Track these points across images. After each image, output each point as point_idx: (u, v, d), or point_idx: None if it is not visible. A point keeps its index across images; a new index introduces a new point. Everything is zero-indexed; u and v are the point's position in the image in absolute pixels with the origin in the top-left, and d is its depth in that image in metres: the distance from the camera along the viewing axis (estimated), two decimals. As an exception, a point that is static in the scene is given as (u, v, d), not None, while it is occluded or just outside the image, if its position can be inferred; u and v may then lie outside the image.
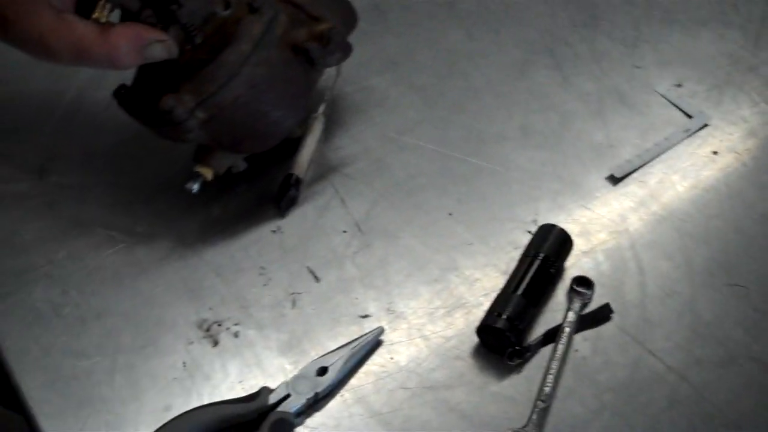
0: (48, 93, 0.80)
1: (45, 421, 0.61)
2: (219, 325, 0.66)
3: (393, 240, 0.72)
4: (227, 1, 0.66)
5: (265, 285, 0.69)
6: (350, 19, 0.77)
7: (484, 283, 0.69)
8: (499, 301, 0.66)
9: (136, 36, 0.62)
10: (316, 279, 0.69)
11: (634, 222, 0.74)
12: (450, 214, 0.74)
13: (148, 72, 0.67)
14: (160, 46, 0.63)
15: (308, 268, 0.70)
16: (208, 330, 0.66)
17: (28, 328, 0.65)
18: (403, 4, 0.90)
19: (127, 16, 0.64)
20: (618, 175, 0.77)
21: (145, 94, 0.67)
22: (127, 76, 0.68)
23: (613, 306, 0.68)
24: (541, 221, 0.72)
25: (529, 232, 0.72)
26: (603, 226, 0.73)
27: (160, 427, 0.59)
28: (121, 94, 0.69)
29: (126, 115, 0.70)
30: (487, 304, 0.67)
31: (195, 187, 0.69)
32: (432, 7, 0.90)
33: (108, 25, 0.61)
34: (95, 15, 0.61)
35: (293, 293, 0.68)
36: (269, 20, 0.67)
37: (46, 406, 0.61)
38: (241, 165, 0.72)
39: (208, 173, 0.69)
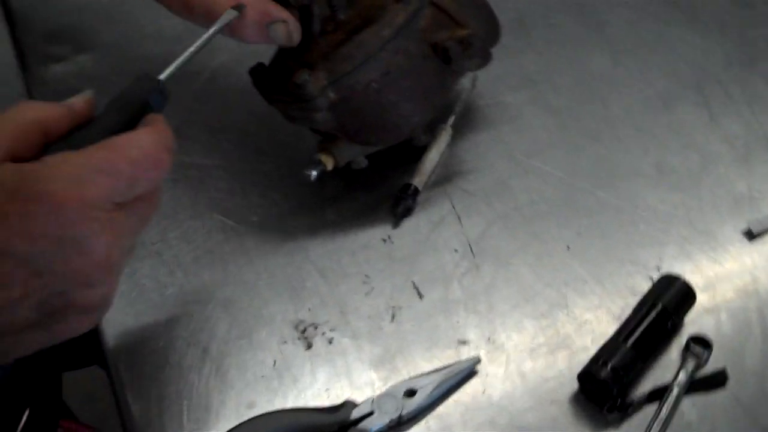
0: (183, 73, 0.81)
1: (129, 395, 0.61)
2: (315, 328, 0.65)
3: (504, 266, 0.69)
4: None
5: (367, 294, 0.67)
6: (494, 32, 0.74)
7: (593, 326, 0.66)
8: (607, 349, 0.62)
9: (263, 12, 0.62)
10: (420, 295, 0.67)
11: (766, 284, 0.68)
12: (568, 248, 0.70)
13: (285, 53, 0.67)
14: (282, 27, 0.62)
15: (413, 282, 0.68)
16: (303, 331, 0.65)
17: (130, 304, 0.66)
18: (548, 22, 0.87)
19: None
20: (756, 230, 0.71)
21: (280, 74, 0.67)
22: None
23: (729, 372, 0.63)
24: (665, 268, 0.68)
25: (651, 278, 0.68)
26: (731, 284, 0.68)
27: (240, 424, 0.58)
28: (257, 71, 0.69)
29: (256, 102, 0.70)
30: (593, 350, 0.63)
31: (313, 174, 0.68)
32: (579, 28, 0.86)
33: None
34: None
35: (394, 306, 0.67)
36: (414, 11, 0.66)
37: (133, 382, 0.62)
38: (362, 162, 0.71)
39: (328, 162, 0.68)
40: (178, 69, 0.58)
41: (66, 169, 0.47)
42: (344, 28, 0.66)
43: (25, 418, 0.88)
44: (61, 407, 1.02)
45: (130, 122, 0.53)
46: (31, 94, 0.79)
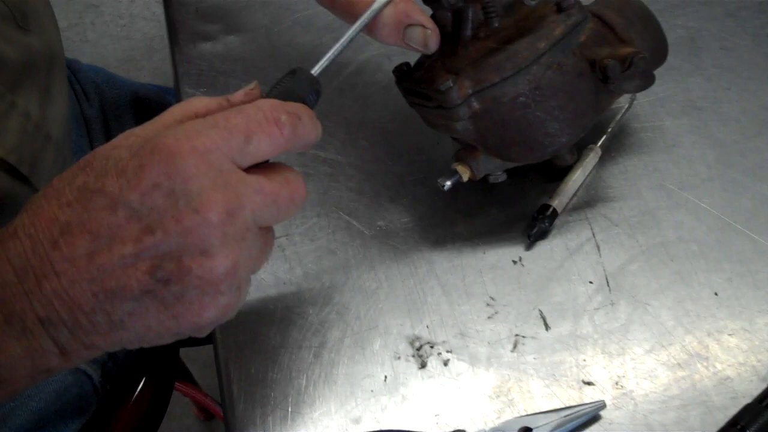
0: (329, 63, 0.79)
1: (235, 391, 0.59)
2: (431, 347, 0.62)
3: (642, 306, 0.64)
4: None
5: (490, 317, 0.63)
6: (660, 51, 0.69)
7: (735, 384, 0.60)
8: (748, 412, 0.56)
9: (403, 11, 0.59)
10: (546, 326, 0.63)
11: None
12: (715, 294, 0.64)
13: (432, 55, 0.64)
14: (421, 33, 0.59)
15: (540, 311, 0.64)
16: (419, 349, 0.62)
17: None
18: (722, 45, 0.80)
19: None
20: None
21: (424, 76, 0.64)
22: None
23: None
24: (824, 332, 0.61)
25: (806, 340, 0.61)
26: None
27: (343, 440, 0.56)
28: (401, 71, 0.66)
29: (398, 101, 0.67)
30: (732, 411, 0.57)
31: (447, 184, 0.65)
32: (755, 55, 0.79)
33: None
34: None
35: (517, 335, 0.63)
36: (574, 24, 0.61)
37: (240, 379, 0.60)
38: (501, 176, 0.67)
39: (465, 173, 0.65)
40: (330, 63, 0.56)
41: (185, 126, 0.46)
42: (497, 35, 0.62)
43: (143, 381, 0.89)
44: (179, 369, 1.03)
45: None
46: (177, 71, 0.79)
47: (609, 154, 0.72)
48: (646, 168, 0.71)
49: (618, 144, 0.73)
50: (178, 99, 0.76)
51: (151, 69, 2.10)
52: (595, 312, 0.64)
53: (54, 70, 0.72)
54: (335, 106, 0.76)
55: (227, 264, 0.46)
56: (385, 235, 0.68)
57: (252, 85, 0.53)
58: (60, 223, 0.44)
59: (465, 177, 0.65)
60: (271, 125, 0.48)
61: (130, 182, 0.44)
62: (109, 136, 0.86)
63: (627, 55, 0.63)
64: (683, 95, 0.76)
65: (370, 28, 0.59)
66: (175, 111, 0.49)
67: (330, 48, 0.56)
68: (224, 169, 0.46)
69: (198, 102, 0.50)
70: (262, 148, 0.48)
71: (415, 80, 0.65)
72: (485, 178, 0.67)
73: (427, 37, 0.59)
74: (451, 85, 0.60)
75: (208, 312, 0.47)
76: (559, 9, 0.62)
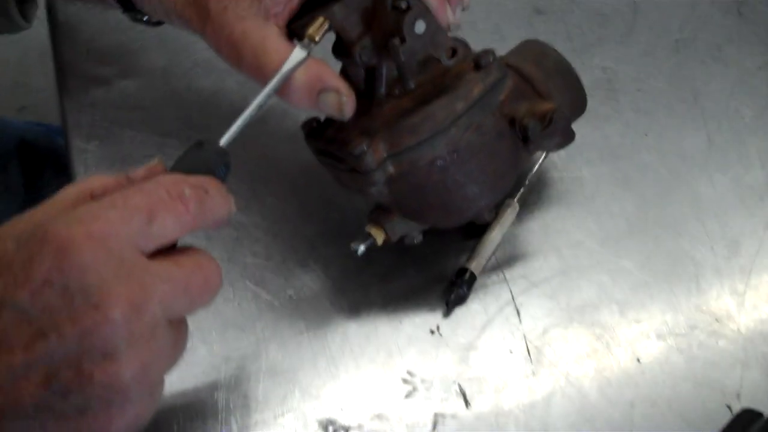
0: (230, 110, 0.74)
1: None
2: (346, 431, 0.58)
3: (565, 376, 0.61)
4: (455, 49, 0.57)
5: (408, 395, 0.60)
6: (579, 104, 0.66)
7: (660, 461, 0.58)
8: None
9: (315, 74, 0.54)
10: (467, 403, 0.60)
11: None
12: (638, 360, 0.62)
13: None
14: (335, 98, 0.55)
15: (460, 386, 0.61)
16: (333, 435, 0.58)
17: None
18: (639, 86, 0.78)
19: (338, 46, 0.57)
20: None
21: (335, 134, 0.60)
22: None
23: None
24: (747, 400, 0.60)
25: (729, 408, 0.60)
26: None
27: None
28: (311, 128, 0.62)
29: (307, 154, 0.63)
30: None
31: (361, 248, 0.61)
32: (672, 97, 0.77)
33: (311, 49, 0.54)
34: (309, 31, 0.54)
35: (437, 413, 0.59)
36: (493, 83, 0.58)
37: None
38: (417, 237, 0.63)
39: (379, 237, 0.61)
40: (239, 131, 0.51)
41: (78, 210, 0.41)
42: (413, 94, 0.58)
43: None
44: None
45: None
46: (66, 121, 0.73)
47: (527, 207, 0.69)
48: (564, 223, 0.69)
49: (536, 197, 0.70)
50: (67, 155, 0.71)
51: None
52: (518, 384, 0.61)
53: None
54: (238, 159, 0.70)
55: (135, 367, 0.41)
56: (296, 305, 0.64)
57: (155, 160, 0.48)
58: None
59: (379, 240, 0.62)
60: (175, 202, 0.44)
61: (17, 279, 0.39)
62: (-7, 190, 0.80)
63: (546, 112, 0.60)
64: (602, 142, 0.74)
65: (281, 91, 0.54)
66: (68, 192, 0.44)
67: (238, 115, 0.52)
68: (126, 257, 0.41)
69: (94, 180, 0.45)
70: (166, 229, 0.43)
71: (327, 139, 0.61)
72: (401, 240, 0.63)
73: (342, 104, 0.55)
74: (365, 149, 0.56)
75: (117, 424, 0.41)
76: (477, 66, 0.58)
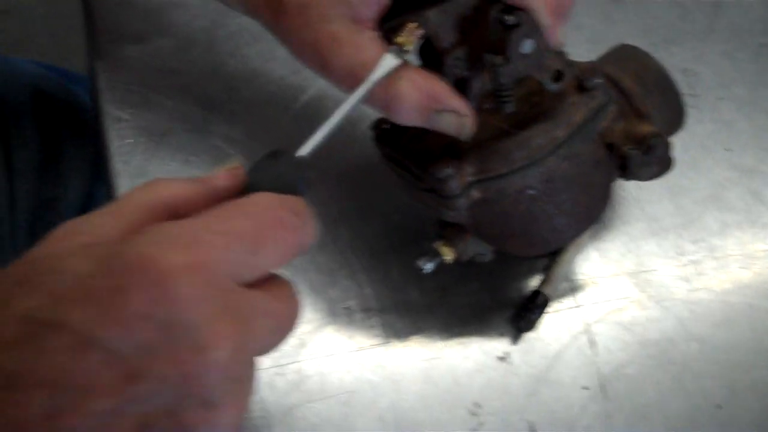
0: (280, 91, 0.67)
1: None
2: (409, 470, 0.53)
3: (641, 419, 0.57)
4: (560, 72, 0.50)
5: (474, 430, 0.55)
6: (676, 124, 0.60)
7: None
8: None
9: (430, 94, 0.47)
10: (537, 443, 0.55)
11: None
12: (719, 407, 0.58)
13: None
14: (454, 119, 0.48)
15: (529, 423, 0.56)
16: (394, 472, 0.53)
17: None
18: (724, 96, 0.72)
19: (428, 53, 0.50)
20: None
21: (415, 147, 0.53)
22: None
23: None
24: None
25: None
26: None
27: None
28: (383, 130, 0.55)
29: (368, 147, 0.56)
30: None
31: (428, 267, 0.55)
32: (756, 111, 0.72)
33: (404, 64, 0.47)
34: (399, 39, 0.47)
35: (505, 453, 0.55)
36: (597, 108, 0.52)
37: None
38: (488, 255, 0.58)
39: (448, 255, 0.55)
40: (322, 142, 0.44)
41: (170, 230, 0.35)
42: (507, 115, 0.51)
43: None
44: None
45: None
46: (96, 83, 0.64)
47: (604, 226, 0.64)
48: (641, 245, 0.64)
49: (613, 214, 0.65)
50: (99, 122, 0.63)
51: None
52: (590, 425, 0.56)
53: None
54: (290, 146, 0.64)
55: (233, 415, 0.35)
56: (352, 319, 0.58)
57: (234, 163, 0.41)
58: (4, 376, 0.32)
59: (449, 259, 0.56)
60: (282, 230, 0.37)
61: (106, 313, 0.32)
62: (6, 146, 0.71)
63: (645, 137, 0.54)
64: (682, 154, 0.68)
65: (385, 104, 0.48)
66: (138, 200, 0.37)
67: (322, 123, 0.45)
68: (229, 289, 0.35)
69: (168, 187, 0.38)
70: (269, 260, 0.37)
71: (402, 149, 0.54)
72: (471, 258, 0.57)
73: (462, 125, 0.48)
74: (451, 173, 0.50)
75: None
76: (581, 88, 0.52)
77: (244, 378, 0.35)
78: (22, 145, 0.72)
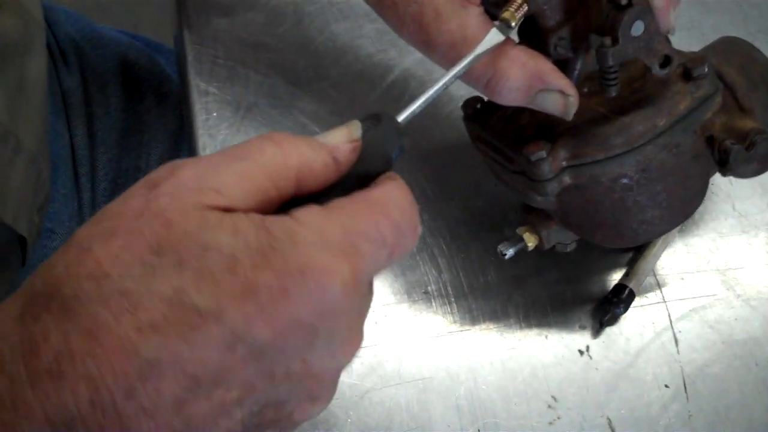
0: (368, 68, 0.66)
1: None
2: (484, 460, 0.53)
3: (722, 420, 0.56)
4: (669, 57, 0.48)
5: (551, 423, 0.54)
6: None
7: None
8: None
9: (535, 73, 0.47)
10: (615, 440, 0.54)
11: None
12: (804, 412, 0.56)
13: None
14: (559, 99, 0.47)
15: (609, 420, 0.55)
16: (469, 461, 0.52)
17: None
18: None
19: (530, 31, 0.49)
20: None
21: (506, 129, 0.52)
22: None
23: None
24: None
25: None
26: None
27: None
28: (475, 108, 0.54)
29: (452, 128, 0.57)
30: None
31: (510, 252, 0.54)
32: None
33: (508, 40, 0.46)
34: (505, 14, 0.46)
35: (582, 448, 0.54)
36: (703, 98, 0.50)
37: None
38: (570, 245, 0.56)
39: (531, 242, 0.54)
40: (420, 111, 0.43)
41: (331, 231, 0.33)
42: (605, 96, 0.50)
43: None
44: None
45: (369, 178, 0.39)
46: (185, 54, 0.64)
47: (692, 220, 0.62)
48: (731, 241, 0.62)
49: (703, 209, 0.63)
50: (185, 94, 0.63)
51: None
52: (670, 424, 0.55)
53: (30, 54, 0.58)
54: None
55: (324, 406, 0.37)
56: (430, 305, 0.57)
57: (355, 127, 0.38)
58: (141, 360, 0.30)
59: (531, 245, 0.55)
60: (412, 237, 0.37)
61: (266, 315, 0.31)
62: (90, 113, 0.72)
63: (748, 133, 0.52)
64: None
65: (486, 83, 0.47)
66: (268, 163, 0.34)
67: (421, 93, 0.43)
68: (367, 295, 0.36)
69: (296, 152, 0.35)
70: (392, 263, 0.37)
71: (493, 130, 0.53)
72: (553, 247, 0.56)
73: (568, 105, 0.47)
74: (544, 156, 0.49)
75: None
76: (686, 76, 0.50)
77: (343, 369, 0.37)
78: (105, 114, 0.73)
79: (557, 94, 0.46)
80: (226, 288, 0.31)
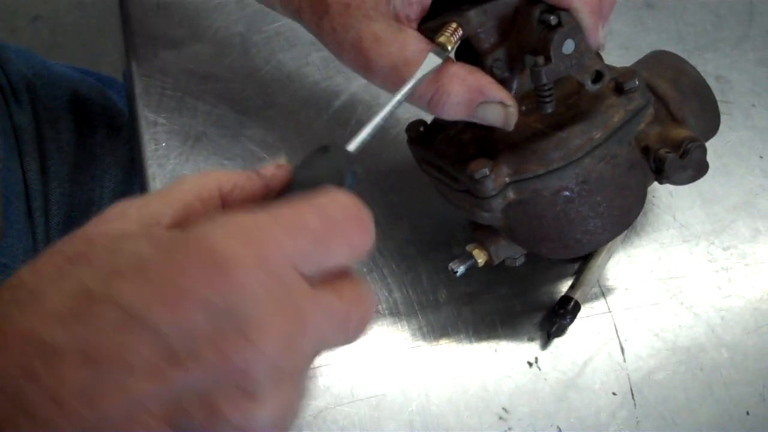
0: (314, 95, 0.67)
1: None
2: (437, 474, 0.53)
3: (669, 426, 0.57)
4: (600, 72, 0.50)
5: (502, 435, 0.55)
6: (712, 130, 0.60)
7: None
8: None
9: (476, 87, 0.48)
10: (566, 449, 0.55)
11: None
12: (747, 413, 0.58)
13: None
14: (500, 110, 0.48)
15: (558, 428, 0.56)
16: (423, 475, 0.53)
17: None
18: (757, 102, 0.72)
19: (466, 54, 0.51)
20: None
21: (449, 149, 0.54)
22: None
23: None
24: None
25: None
26: None
27: None
28: (418, 131, 0.56)
29: (399, 151, 0.59)
30: None
31: (460, 269, 0.55)
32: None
33: (448, 60, 0.48)
34: (441, 39, 0.48)
35: (533, 459, 0.55)
36: (635, 110, 0.52)
37: None
38: (519, 260, 0.58)
39: (480, 258, 0.56)
40: (369, 138, 0.44)
41: (237, 221, 0.33)
42: (542, 113, 0.52)
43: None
44: None
45: None
46: (133, 87, 0.66)
47: (635, 231, 0.64)
48: (672, 251, 0.64)
49: (644, 219, 0.64)
50: (134, 125, 0.64)
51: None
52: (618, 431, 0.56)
53: None
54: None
55: (273, 411, 0.33)
56: (381, 323, 0.58)
57: (281, 159, 0.40)
58: (45, 347, 0.31)
59: (481, 262, 0.56)
60: (354, 227, 0.36)
61: (161, 292, 0.32)
62: (42, 149, 0.73)
63: (682, 141, 0.54)
64: (715, 161, 0.68)
65: (429, 100, 0.48)
66: (191, 185, 0.36)
67: (368, 121, 0.45)
68: (289, 282, 0.34)
69: (220, 175, 0.37)
70: (335, 257, 0.36)
71: (437, 151, 0.55)
72: (502, 262, 0.58)
73: (508, 115, 0.49)
74: (487, 173, 0.50)
75: None
76: (619, 90, 0.52)
77: (292, 374, 0.34)
78: (57, 149, 0.73)
79: (497, 105, 0.48)
80: (127, 275, 0.32)
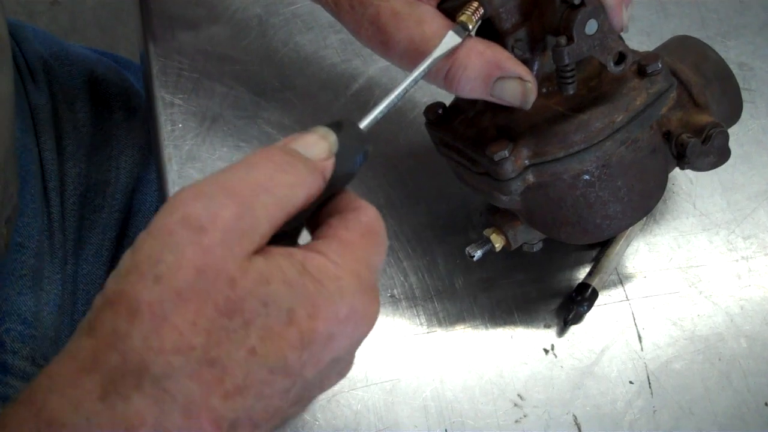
0: (332, 77, 0.66)
1: None
2: (452, 458, 0.53)
3: (686, 415, 0.56)
4: (623, 54, 0.49)
5: (517, 421, 0.55)
6: (734, 115, 0.59)
7: None
8: None
9: (493, 61, 0.47)
10: (581, 436, 0.55)
11: None
12: (766, 404, 0.57)
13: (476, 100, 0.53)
14: (518, 86, 0.48)
15: (574, 417, 0.55)
16: (437, 461, 0.53)
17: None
18: (781, 90, 0.71)
19: (487, 34, 0.50)
20: None
21: (468, 131, 0.53)
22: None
23: None
24: None
25: None
26: None
27: None
28: (437, 115, 0.55)
29: (416, 134, 0.59)
30: None
31: (478, 254, 0.55)
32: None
33: (466, 36, 0.47)
34: (462, 17, 0.47)
35: (548, 446, 0.54)
36: (658, 94, 0.51)
37: None
38: (537, 245, 0.57)
39: (498, 243, 0.55)
40: (382, 116, 0.44)
41: (363, 274, 0.38)
42: (564, 95, 0.51)
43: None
44: None
45: (333, 186, 0.41)
46: (150, 67, 0.65)
47: (653, 218, 0.63)
48: (693, 239, 0.63)
49: (664, 207, 0.64)
50: (151, 106, 0.63)
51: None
52: (635, 420, 0.56)
53: None
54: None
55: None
56: (397, 308, 0.58)
57: (334, 144, 0.40)
58: (227, 424, 0.34)
59: (498, 246, 0.56)
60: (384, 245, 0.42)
61: (315, 357, 0.36)
62: (58, 129, 0.72)
63: (704, 127, 0.54)
64: (737, 150, 0.67)
65: (445, 78, 0.48)
66: (281, 197, 0.37)
67: (382, 99, 0.45)
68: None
69: (298, 179, 0.37)
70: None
71: (455, 133, 0.54)
72: (520, 247, 0.57)
73: (527, 92, 0.48)
74: (507, 155, 0.50)
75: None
76: (641, 73, 0.51)
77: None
78: (73, 129, 0.73)
79: (515, 81, 0.47)
80: (288, 340, 0.34)
